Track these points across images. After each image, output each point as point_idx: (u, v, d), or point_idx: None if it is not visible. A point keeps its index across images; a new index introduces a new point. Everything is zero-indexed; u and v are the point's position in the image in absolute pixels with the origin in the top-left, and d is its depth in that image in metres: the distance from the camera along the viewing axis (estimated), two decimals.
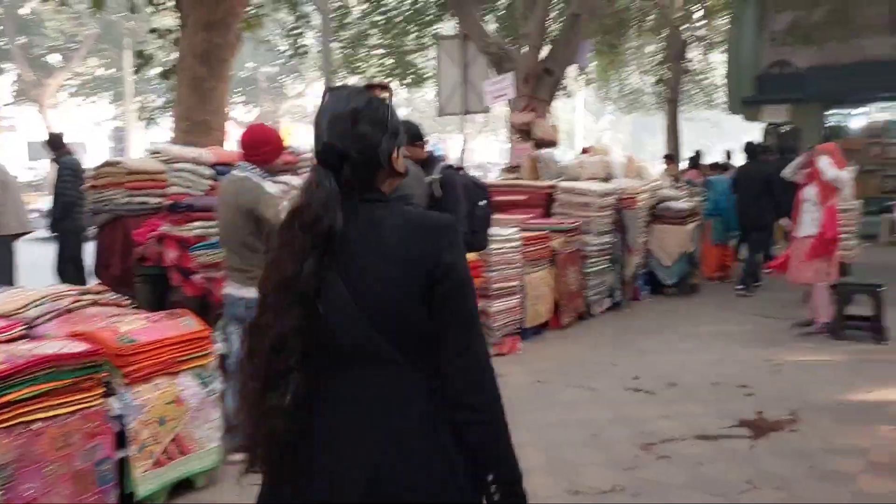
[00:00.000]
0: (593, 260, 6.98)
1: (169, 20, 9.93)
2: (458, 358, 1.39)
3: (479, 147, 39.97)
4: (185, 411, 3.33)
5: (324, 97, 1.48)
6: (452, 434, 1.39)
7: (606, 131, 52.20)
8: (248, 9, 7.54)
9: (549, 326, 6.61)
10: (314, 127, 1.45)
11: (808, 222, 6.25)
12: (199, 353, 3.45)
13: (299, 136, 17.79)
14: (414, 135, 4.51)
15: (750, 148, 8.79)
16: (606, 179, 8.17)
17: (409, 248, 1.39)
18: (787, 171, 6.70)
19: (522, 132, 10.50)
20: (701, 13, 17.30)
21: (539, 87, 10.97)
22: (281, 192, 4.12)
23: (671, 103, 16.37)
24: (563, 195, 7.20)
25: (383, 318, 1.36)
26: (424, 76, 17.44)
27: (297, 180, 5.11)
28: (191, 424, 3.35)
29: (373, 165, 1.44)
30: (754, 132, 30.42)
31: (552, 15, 12.29)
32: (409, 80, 17.21)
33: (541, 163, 8.31)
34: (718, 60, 26.06)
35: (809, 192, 6.30)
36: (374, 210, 1.43)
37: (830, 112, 14.55)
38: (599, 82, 25.12)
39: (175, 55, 7.72)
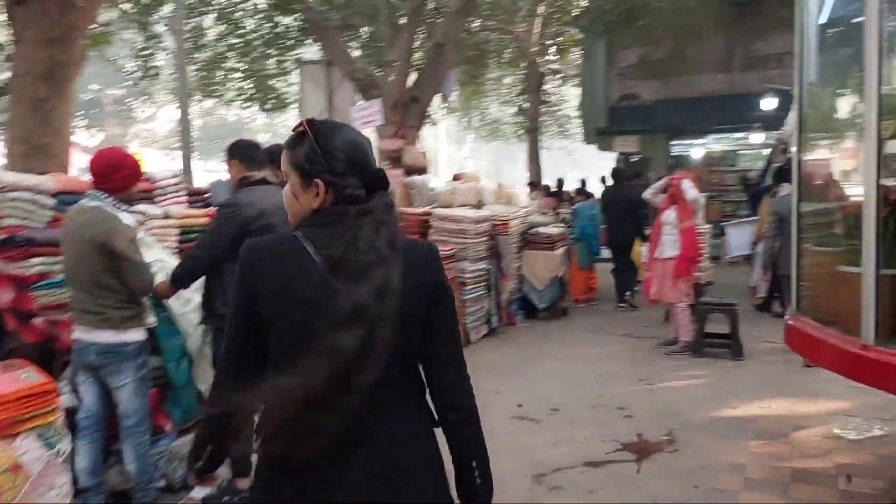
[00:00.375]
0: (470, 287, 6.95)
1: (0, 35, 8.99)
2: (450, 368, 1.60)
3: None
4: (26, 479, 2.86)
5: (338, 129, 1.57)
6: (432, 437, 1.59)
7: (468, 159, 53.58)
8: (93, 26, 6.94)
9: None
10: (353, 155, 1.54)
11: (669, 244, 6.55)
12: (43, 411, 2.99)
13: (152, 162, 16.72)
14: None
15: (617, 173, 9.35)
16: (478, 206, 8.23)
17: (416, 269, 1.53)
18: (647, 193, 7.02)
19: (392, 159, 10.42)
20: (555, 49, 18.16)
21: (407, 114, 10.98)
22: (137, 223, 3.72)
23: (532, 132, 16.99)
24: (439, 222, 7.14)
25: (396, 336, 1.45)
26: (286, 101, 17.02)
27: (154, 209, 4.67)
28: (32, 494, 2.87)
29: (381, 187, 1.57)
30: (606, 161, 32.47)
31: (416, 44, 12.37)
32: (269, 104, 16.71)
33: (413, 189, 8.22)
34: (572, 93, 27.55)
35: (669, 216, 6.62)
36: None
37: (675, 143, 15.67)
38: (461, 111, 25.74)
39: (7, 73, 6.95)
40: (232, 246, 3.18)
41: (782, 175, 9.58)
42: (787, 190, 8.12)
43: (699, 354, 6.42)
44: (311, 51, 15.72)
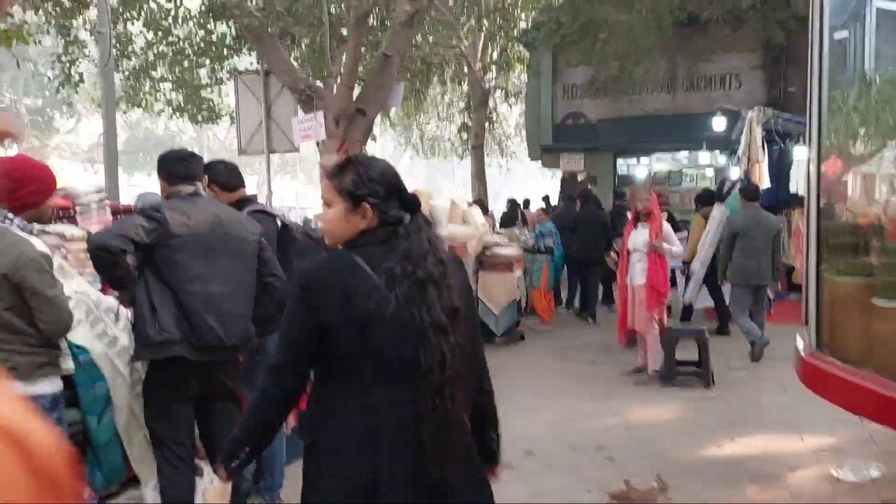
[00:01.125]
0: None
1: None
2: (479, 359, 1.92)
3: (276, 189, 38.55)
4: None
5: (375, 160, 1.84)
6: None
7: (403, 175, 53.03)
8: (6, 21, 6.19)
9: None
10: (392, 182, 1.79)
11: (640, 271, 6.23)
12: None
13: (73, 176, 15.62)
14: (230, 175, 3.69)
15: (584, 194, 10.09)
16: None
17: (455, 276, 1.78)
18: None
19: None
20: (497, 66, 17.97)
21: (352, 127, 10.46)
22: (53, 247, 3.11)
23: (477, 150, 16.67)
24: None
25: (463, 335, 1.76)
26: (220, 113, 16.23)
27: (75, 230, 4.01)
28: None
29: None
30: (543, 181, 32.54)
31: (362, 54, 11.89)
32: (200, 116, 15.88)
33: None
34: (513, 112, 27.53)
35: (637, 241, 6.29)
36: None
37: (621, 161, 15.63)
38: (401, 127, 25.33)
39: None
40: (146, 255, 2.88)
41: (723, 194, 9.68)
42: (719, 211, 8.38)
43: (669, 383, 6.11)
44: (247, 61, 15.03)
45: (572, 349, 7.77)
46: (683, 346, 6.33)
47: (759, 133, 9.85)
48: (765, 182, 9.89)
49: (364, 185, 1.72)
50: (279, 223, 3.76)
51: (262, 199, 10.47)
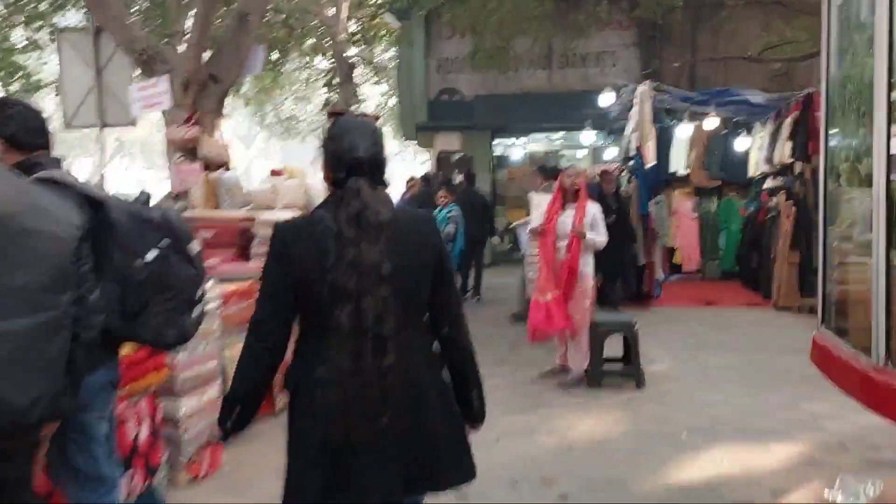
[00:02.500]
0: None
1: None
2: (453, 315, 1.97)
3: (112, 174, 34.86)
4: None
5: (336, 122, 1.96)
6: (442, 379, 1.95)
7: (256, 158, 50.17)
8: None
9: (259, 413, 4.69)
10: (338, 143, 1.87)
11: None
12: None
13: None
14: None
15: (470, 175, 9.87)
16: (306, 208, 6.57)
17: (422, 234, 1.89)
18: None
19: (186, 150, 8.31)
20: (363, 36, 16.68)
21: (203, 96, 8.89)
22: None
23: None
24: (266, 230, 5.37)
25: (411, 290, 1.83)
26: (40, 83, 13.89)
27: None
28: None
29: (382, 174, 1.89)
30: (406, 163, 31.59)
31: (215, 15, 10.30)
32: (15, 85, 13.48)
33: (223, 188, 6.36)
34: (378, 90, 26.29)
35: (565, 223, 5.42)
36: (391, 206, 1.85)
37: (497, 141, 14.96)
38: (255, 104, 23.47)
39: None
40: None
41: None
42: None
43: (597, 384, 5.34)
44: (74, 20, 12.86)
45: (483, 351, 6.85)
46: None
47: (649, 109, 9.41)
48: (652, 160, 9.51)
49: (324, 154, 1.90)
50: (85, 200, 2.18)
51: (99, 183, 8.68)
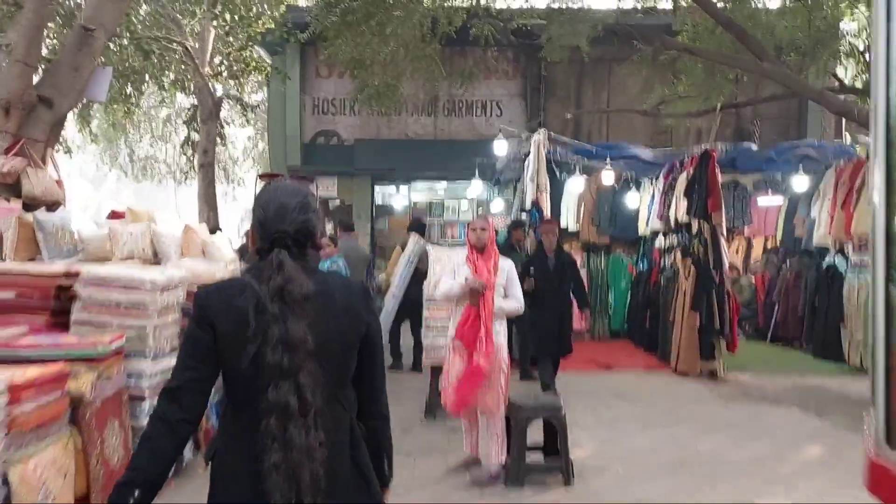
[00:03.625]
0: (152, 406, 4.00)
1: None
2: (375, 387, 1.93)
3: None
4: None
5: (265, 188, 1.95)
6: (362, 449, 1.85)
7: (106, 202, 46.32)
8: None
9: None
10: (265, 212, 1.80)
11: (499, 323, 4.52)
12: None
13: None
14: None
15: (347, 224, 8.88)
16: (155, 261, 5.30)
17: (352, 306, 1.82)
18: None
19: (5, 185, 6.74)
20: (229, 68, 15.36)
21: (30, 122, 7.34)
22: None
23: (206, 168, 13.82)
24: (91, 289, 4.05)
25: (338, 362, 1.78)
26: None
27: None
28: None
29: (310, 243, 1.82)
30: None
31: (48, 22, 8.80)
32: None
33: (44, 232, 4.97)
34: (240, 135, 24.72)
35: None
36: (315, 275, 1.78)
37: (378, 189, 14.05)
38: (104, 141, 21.32)
39: None
40: None
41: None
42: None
43: (520, 483, 4.40)
44: None
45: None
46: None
47: (544, 158, 8.87)
48: (547, 211, 8.95)
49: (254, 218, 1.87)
50: None
51: None
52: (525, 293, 4.95)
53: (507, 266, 4.62)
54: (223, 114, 17.09)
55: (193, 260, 5.39)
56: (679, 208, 8.84)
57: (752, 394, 7.46)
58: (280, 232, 1.75)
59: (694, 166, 8.56)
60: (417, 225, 8.67)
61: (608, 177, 9.43)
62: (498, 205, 12.82)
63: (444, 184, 14.22)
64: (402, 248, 8.33)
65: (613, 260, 11.21)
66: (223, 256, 5.67)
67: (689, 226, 8.71)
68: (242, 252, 10.08)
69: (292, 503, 1.58)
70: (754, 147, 10.00)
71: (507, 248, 7.63)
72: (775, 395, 7.21)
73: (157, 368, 4.06)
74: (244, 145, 25.93)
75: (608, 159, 9.25)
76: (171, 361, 4.34)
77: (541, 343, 7.00)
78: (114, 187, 43.38)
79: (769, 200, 10.74)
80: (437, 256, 6.10)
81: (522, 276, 5.85)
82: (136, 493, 1.62)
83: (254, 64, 14.28)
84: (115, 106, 14.37)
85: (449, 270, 4.75)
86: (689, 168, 8.67)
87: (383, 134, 12.95)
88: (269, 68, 13.38)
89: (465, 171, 11.89)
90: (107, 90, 8.63)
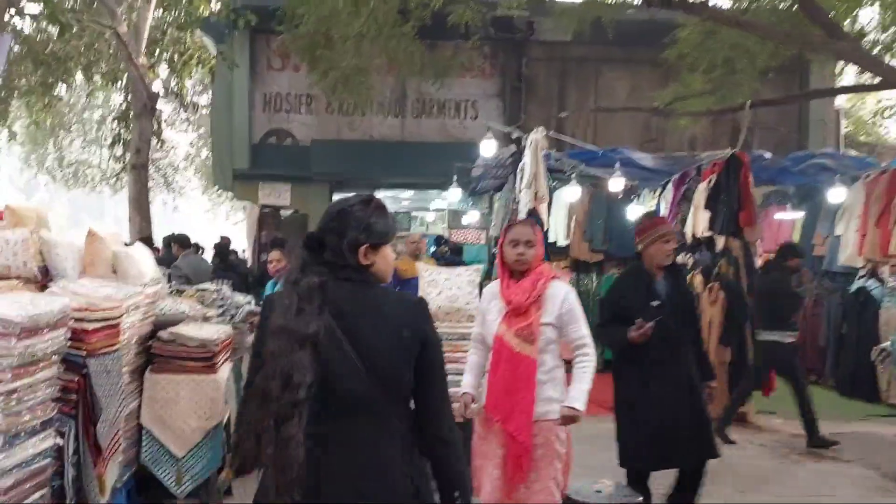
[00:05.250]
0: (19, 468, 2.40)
1: None
2: (438, 407, 1.87)
3: None
4: None
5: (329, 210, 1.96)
6: (418, 466, 1.82)
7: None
8: None
9: None
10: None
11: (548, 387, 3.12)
12: None
13: None
14: None
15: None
16: (36, 281, 3.73)
17: (401, 320, 1.82)
18: None
19: None
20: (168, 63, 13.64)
21: None
22: None
23: (138, 170, 12.02)
24: None
25: (380, 373, 1.76)
26: None
27: None
28: None
29: (345, 251, 1.83)
30: (219, 221, 27.91)
31: None
32: None
33: None
34: (183, 140, 22.78)
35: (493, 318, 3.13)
36: (364, 288, 1.83)
37: (338, 196, 12.51)
38: (30, 144, 19.28)
39: None
40: None
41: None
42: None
43: None
44: None
45: None
46: None
47: (543, 163, 7.52)
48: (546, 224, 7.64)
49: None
50: None
51: None
52: (624, 344, 3.46)
53: (560, 293, 3.20)
54: (164, 115, 15.33)
55: (95, 280, 3.78)
56: (698, 223, 7.61)
57: (795, 445, 6.28)
58: (309, 235, 1.89)
59: (718, 174, 7.33)
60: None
61: (617, 184, 8.15)
62: (473, 216, 11.48)
63: (409, 194, 12.81)
64: None
65: (607, 280, 9.91)
66: (141, 275, 4.07)
67: (710, 243, 7.47)
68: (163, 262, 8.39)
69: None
70: (767, 155, 8.89)
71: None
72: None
73: (8, 463, 2.47)
74: (186, 151, 23.96)
75: (618, 165, 7.96)
76: (42, 445, 2.74)
77: (653, 445, 3.85)
78: (45, 196, 40.57)
79: (787, 215, 9.63)
80: (432, 278, 4.64)
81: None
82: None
83: (197, 54, 12.65)
84: (31, 98, 12.52)
85: (478, 314, 3.30)
86: (713, 176, 7.43)
87: (344, 135, 11.48)
88: (213, 59, 11.78)
89: (435, 177, 10.52)
90: (4, 61, 6.93)
